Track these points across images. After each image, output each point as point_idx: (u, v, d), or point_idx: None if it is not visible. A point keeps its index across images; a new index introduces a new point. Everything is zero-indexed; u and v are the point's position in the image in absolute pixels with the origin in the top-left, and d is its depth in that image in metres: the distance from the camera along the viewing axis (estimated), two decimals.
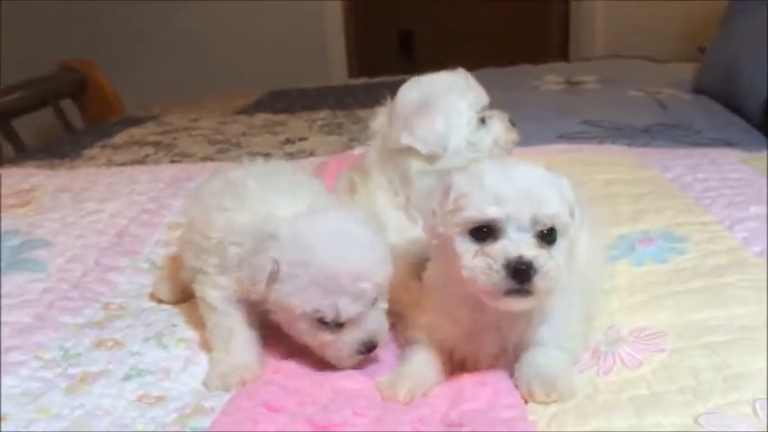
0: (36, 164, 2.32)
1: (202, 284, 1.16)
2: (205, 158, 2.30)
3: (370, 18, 4.76)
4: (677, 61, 3.31)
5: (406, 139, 1.26)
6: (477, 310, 1.00)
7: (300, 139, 2.46)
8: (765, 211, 1.40)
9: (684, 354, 1.01)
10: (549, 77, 2.98)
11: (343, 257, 1.01)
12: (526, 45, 4.47)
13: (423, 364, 1.05)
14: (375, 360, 1.10)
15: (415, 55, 5.18)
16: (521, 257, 0.92)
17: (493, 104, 1.35)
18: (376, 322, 1.06)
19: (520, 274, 0.92)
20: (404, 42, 5.30)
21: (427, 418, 0.95)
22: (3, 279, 1.36)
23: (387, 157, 1.31)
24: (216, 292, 1.13)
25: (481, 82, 1.35)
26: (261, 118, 2.84)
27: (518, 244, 0.93)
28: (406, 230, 1.18)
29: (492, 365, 1.04)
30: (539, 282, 0.93)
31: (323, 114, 2.80)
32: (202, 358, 1.13)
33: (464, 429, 0.90)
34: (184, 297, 1.29)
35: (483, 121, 1.31)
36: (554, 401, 0.95)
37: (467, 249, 0.96)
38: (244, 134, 2.61)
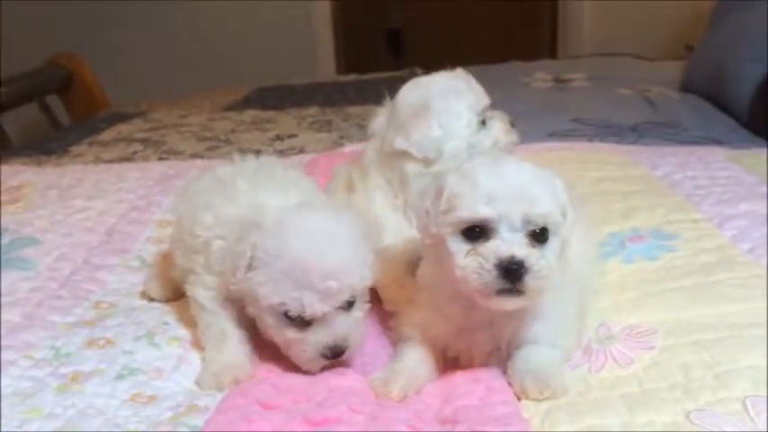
0: (23, 160, 2.30)
1: (193, 284, 1.15)
2: (194, 155, 2.29)
3: (359, 16, 4.76)
4: (665, 59, 3.33)
5: (401, 144, 1.25)
6: (469, 307, 1.01)
7: (290, 136, 2.46)
8: (755, 208, 1.41)
9: (675, 351, 1.02)
10: (539, 75, 2.99)
11: (316, 253, 0.99)
12: (514, 43, 4.48)
13: (415, 361, 1.05)
14: (342, 367, 1.06)
15: (403, 53, 5.18)
16: (512, 257, 0.92)
17: None
18: (346, 328, 1.03)
19: (511, 274, 0.93)
20: (392, 40, 5.30)
21: (422, 413, 0.95)
22: None
23: (384, 158, 1.30)
24: (206, 292, 1.13)
25: None
26: (250, 115, 2.83)
27: (510, 243, 0.93)
28: (403, 231, 1.16)
29: (485, 363, 1.04)
30: (530, 281, 0.93)
31: (312, 111, 2.79)
32: (195, 357, 1.12)
33: (458, 426, 0.90)
34: (175, 295, 1.29)
35: (483, 122, 1.30)
36: (546, 398, 0.95)
37: (459, 249, 0.96)
38: (233, 131, 2.60)
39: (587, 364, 1.03)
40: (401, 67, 3.38)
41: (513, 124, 1.35)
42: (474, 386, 0.99)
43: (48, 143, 2.62)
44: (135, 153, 2.39)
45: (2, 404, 0.99)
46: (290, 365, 1.07)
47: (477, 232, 0.95)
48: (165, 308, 1.28)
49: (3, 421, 0.95)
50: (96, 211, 1.66)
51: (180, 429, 0.92)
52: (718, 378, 0.94)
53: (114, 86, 3.54)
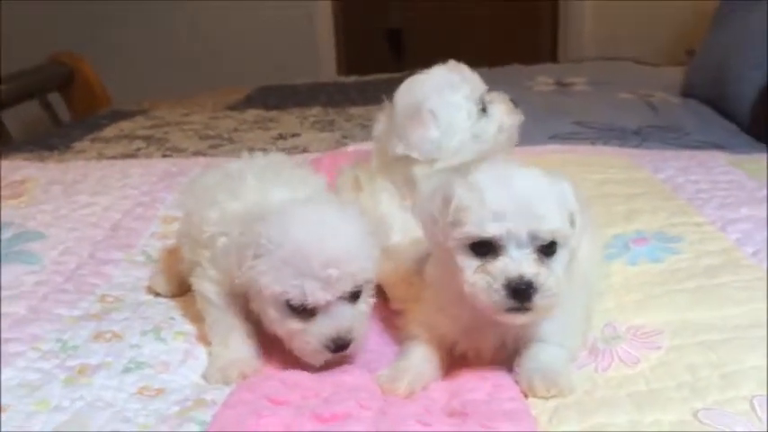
0: (25, 156, 2.30)
1: (200, 278, 1.15)
2: (197, 153, 2.29)
3: (359, 17, 4.76)
4: (665, 64, 3.34)
5: (401, 150, 1.25)
6: (476, 308, 1.01)
7: (293, 135, 2.46)
8: (757, 213, 1.42)
9: (681, 351, 1.02)
10: (541, 78, 3.00)
11: (317, 241, 0.99)
12: (515, 43, 4.50)
13: (421, 359, 1.05)
14: (346, 363, 1.05)
15: (403, 54, 5.19)
16: (521, 277, 0.93)
17: None
18: (350, 320, 1.02)
19: (520, 294, 0.93)
20: (393, 41, 5.31)
21: (431, 408, 0.96)
22: None
23: (390, 163, 1.29)
24: (212, 286, 1.13)
25: None
26: (252, 114, 2.83)
27: (519, 262, 0.94)
28: (410, 230, 1.16)
29: (493, 360, 1.04)
30: (539, 300, 0.94)
31: (314, 111, 2.79)
32: (201, 352, 1.13)
33: (468, 419, 0.91)
34: (181, 290, 1.29)
35: (484, 110, 1.29)
36: (554, 396, 0.96)
37: (468, 265, 0.96)
38: (236, 130, 2.60)
39: (593, 364, 1.04)
40: (401, 66, 3.38)
41: (515, 103, 1.33)
42: (481, 383, 1.00)
43: (49, 139, 2.61)
44: (138, 150, 2.38)
45: (10, 397, 0.99)
46: (296, 362, 1.07)
47: (485, 248, 0.96)
48: (171, 303, 1.28)
49: (9, 413, 0.95)
50: (101, 206, 1.66)
51: (189, 423, 0.92)
52: (725, 378, 0.95)
53: (114, 87, 3.53)
